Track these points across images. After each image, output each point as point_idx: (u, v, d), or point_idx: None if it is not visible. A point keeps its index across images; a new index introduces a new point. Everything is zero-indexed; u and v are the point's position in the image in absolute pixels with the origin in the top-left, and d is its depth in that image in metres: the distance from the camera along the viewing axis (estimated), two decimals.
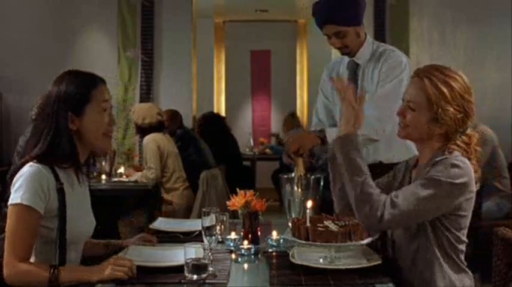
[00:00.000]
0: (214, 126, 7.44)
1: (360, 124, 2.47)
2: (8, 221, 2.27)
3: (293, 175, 2.95)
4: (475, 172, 2.30)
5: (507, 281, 2.39)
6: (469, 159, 2.31)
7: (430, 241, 2.28)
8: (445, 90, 2.28)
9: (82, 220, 2.46)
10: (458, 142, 2.31)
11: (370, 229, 2.28)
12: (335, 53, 7.49)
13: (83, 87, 2.40)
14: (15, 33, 6.93)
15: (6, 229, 2.27)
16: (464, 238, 2.32)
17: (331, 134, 3.21)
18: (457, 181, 2.22)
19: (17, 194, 2.27)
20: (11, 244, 2.24)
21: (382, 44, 3.44)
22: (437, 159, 2.27)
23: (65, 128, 2.35)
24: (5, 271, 2.24)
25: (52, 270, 2.20)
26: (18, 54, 6.98)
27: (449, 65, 2.38)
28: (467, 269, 2.33)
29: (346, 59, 3.45)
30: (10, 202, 2.28)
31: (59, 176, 2.35)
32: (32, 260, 2.31)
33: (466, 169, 2.24)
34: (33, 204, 2.26)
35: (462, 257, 2.32)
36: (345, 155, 2.39)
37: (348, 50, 3.36)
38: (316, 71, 11.10)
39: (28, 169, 2.31)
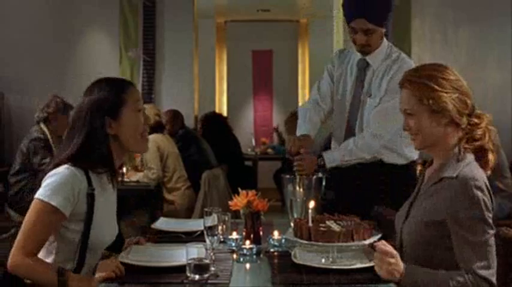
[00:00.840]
0: (216, 126, 7.43)
1: None
2: (29, 213, 2.29)
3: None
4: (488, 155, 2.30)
5: (508, 281, 2.39)
6: (485, 151, 2.30)
7: (442, 249, 2.24)
8: (426, 82, 2.29)
9: (106, 227, 2.48)
10: (473, 121, 2.30)
11: None
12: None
13: (116, 91, 2.44)
14: (15, 33, 6.93)
15: (25, 220, 2.29)
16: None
17: (330, 160, 3.26)
18: (483, 200, 2.19)
19: (46, 192, 2.29)
20: (24, 236, 2.26)
21: (396, 49, 3.37)
22: (453, 175, 2.23)
23: (101, 132, 2.38)
24: (10, 260, 2.26)
25: (60, 273, 2.21)
26: (18, 54, 6.98)
27: (451, 66, 2.38)
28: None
29: (358, 55, 3.39)
30: (38, 196, 2.30)
31: (91, 181, 2.37)
32: (50, 258, 2.34)
33: (482, 183, 2.21)
34: (60, 206, 2.28)
35: None
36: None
37: (368, 49, 3.30)
38: (318, 70, 11.12)
39: (64, 170, 2.33)
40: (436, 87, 2.27)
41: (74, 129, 2.41)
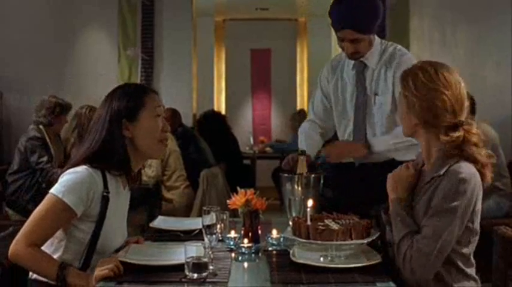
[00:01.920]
0: (214, 125, 7.43)
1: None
2: (41, 205, 2.31)
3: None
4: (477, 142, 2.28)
5: (507, 280, 2.39)
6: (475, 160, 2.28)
7: None
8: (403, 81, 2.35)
9: (117, 230, 2.49)
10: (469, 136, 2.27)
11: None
12: (335, 52, 7.51)
13: (135, 94, 2.46)
14: (15, 33, 6.93)
15: (35, 211, 2.31)
16: (474, 238, 2.28)
17: (377, 144, 3.24)
18: (467, 196, 2.19)
19: (62, 188, 2.30)
20: (31, 227, 2.28)
21: (390, 43, 3.34)
22: (441, 172, 2.24)
23: (118, 135, 2.39)
24: (13, 247, 2.27)
25: (61, 268, 2.24)
26: (18, 54, 6.98)
27: (450, 65, 2.37)
28: (474, 275, 2.30)
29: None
30: (53, 191, 2.31)
31: (107, 183, 2.38)
32: (56, 255, 2.34)
33: (471, 179, 2.21)
34: (73, 205, 2.29)
35: (469, 261, 2.29)
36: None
37: (358, 56, 3.26)
38: (317, 69, 11.04)
39: (82, 170, 2.35)
40: (436, 86, 2.26)
41: (93, 130, 2.43)
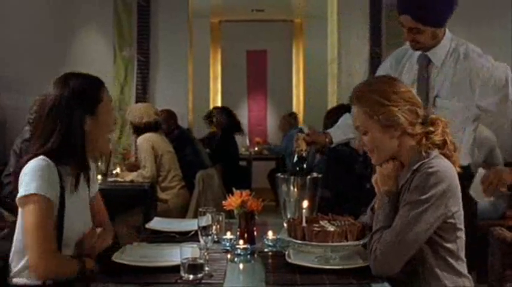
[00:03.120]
0: (228, 120, 7.58)
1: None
2: (26, 215, 2.21)
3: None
4: (454, 155, 2.30)
5: (503, 280, 2.39)
6: (445, 143, 2.30)
7: (424, 248, 2.24)
8: (374, 97, 2.29)
9: (79, 220, 2.42)
10: (428, 129, 2.30)
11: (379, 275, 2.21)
12: (331, 53, 7.52)
13: (93, 87, 2.40)
14: (15, 33, 6.92)
15: (27, 223, 2.21)
16: (460, 234, 2.28)
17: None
18: (439, 189, 2.19)
19: (30, 186, 2.21)
20: (40, 238, 2.19)
21: (463, 41, 3.11)
22: (414, 167, 2.25)
23: (79, 128, 2.33)
24: (41, 267, 2.18)
25: (81, 261, 2.25)
26: (15, 54, 6.96)
27: None
28: (466, 273, 2.30)
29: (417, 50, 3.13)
30: (23, 193, 2.21)
31: (62, 175, 2.33)
32: (26, 257, 2.27)
33: (442, 173, 2.21)
34: (48, 194, 2.22)
35: (459, 258, 2.29)
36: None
37: (418, 46, 3.04)
38: (312, 70, 11.19)
39: (38, 162, 2.26)
40: (386, 102, 2.28)
41: (49, 122, 2.33)
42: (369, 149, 2.36)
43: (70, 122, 2.32)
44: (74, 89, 2.35)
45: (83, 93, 2.35)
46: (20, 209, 2.26)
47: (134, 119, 5.64)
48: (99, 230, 2.47)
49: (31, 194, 2.21)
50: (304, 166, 3.01)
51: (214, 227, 2.46)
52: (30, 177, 2.24)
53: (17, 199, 2.24)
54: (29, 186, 2.22)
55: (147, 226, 3.06)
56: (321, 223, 2.45)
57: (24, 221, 2.22)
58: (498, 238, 2.43)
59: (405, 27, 2.97)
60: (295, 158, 3.02)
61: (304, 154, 3.05)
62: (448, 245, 2.25)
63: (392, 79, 2.38)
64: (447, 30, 3.06)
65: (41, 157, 2.28)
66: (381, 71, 3.30)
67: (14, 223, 2.31)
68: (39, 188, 2.22)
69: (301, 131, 3.16)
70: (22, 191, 2.23)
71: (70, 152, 2.33)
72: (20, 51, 6.88)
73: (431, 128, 2.31)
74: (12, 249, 2.31)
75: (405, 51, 3.22)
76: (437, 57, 3.05)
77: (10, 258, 2.31)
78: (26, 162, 2.29)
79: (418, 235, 2.18)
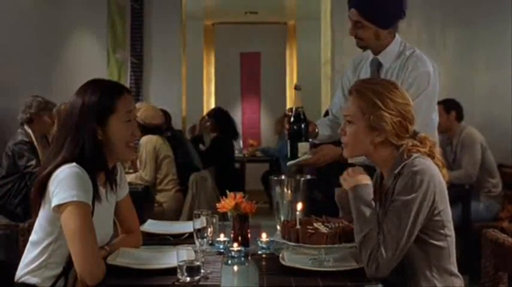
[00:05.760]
0: (226, 121, 7.57)
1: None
2: (69, 221, 2.19)
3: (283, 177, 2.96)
4: (442, 171, 2.31)
5: (495, 282, 2.40)
6: (432, 157, 2.32)
7: (413, 247, 2.25)
8: (375, 98, 2.31)
9: (102, 228, 2.42)
10: (414, 142, 2.31)
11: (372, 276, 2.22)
12: (324, 55, 7.53)
13: (107, 97, 2.38)
14: (4, 35, 6.90)
15: (70, 231, 2.20)
16: (448, 232, 2.29)
17: None
18: (425, 186, 2.20)
19: (68, 193, 2.20)
20: (90, 246, 2.20)
21: (410, 47, 3.21)
22: (396, 171, 2.26)
23: (91, 138, 2.33)
24: (99, 272, 2.19)
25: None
26: (7, 56, 6.93)
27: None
28: (456, 272, 2.32)
29: (371, 55, 3.23)
30: (61, 201, 2.20)
31: (96, 180, 2.33)
32: (41, 258, 2.29)
33: (426, 170, 2.23)
34: (87, 201, 2.23)
35: (449, 257, 2.30)
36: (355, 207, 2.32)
37: (362, 43, 3.16)
38: (306, 73, 11.18)
39: (71, 169, 2.25)
40: (381, 105, 2.30)
41: (66, 132, 2.36)
42: (346, 140, 2.40)
43: (82, 132, 2.33)
44: (87, 100, 2.35)
45: (94, 104, 2.35)
46: (61, 216, 2.22)
47: (145, 119, 5.59)
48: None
49: (71, 202, 2.20)
50: (302, 126, 3.08)
51: (209, 229, 2.46)
52: (67, 183, 2.23)
53: (57, 204, 2.22)
54: (66, 193, 2.21)
55: (141, 228, 3.06)
56: (315, 225, 2.46)
57: (71, 228, 2.20)
58: (491, 239, 2.44)
59: (351, 21, 3.10)
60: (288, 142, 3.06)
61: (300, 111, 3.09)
62: (437, 243, 2.26)
63: (395, 87, 2.38)
64: (397, 35, 3.22)
65: (74, 164, 2.28)
66: (344, 77, 3.41)
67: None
68: (79, 196, 2.21)
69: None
70: (60, 198, 2.21)
71: (89, 159, 2.32)
72: (13, 54, 6.86)
73: (418, 143, 2.33)
74: (26, 250, 2.34)
75: (362, 56, 3.35)
76: (386, 60, 3.17)
77: (23, 257, 2.33)
78: (55, 169, 2.27)
79: (412, 234, 2.19)
